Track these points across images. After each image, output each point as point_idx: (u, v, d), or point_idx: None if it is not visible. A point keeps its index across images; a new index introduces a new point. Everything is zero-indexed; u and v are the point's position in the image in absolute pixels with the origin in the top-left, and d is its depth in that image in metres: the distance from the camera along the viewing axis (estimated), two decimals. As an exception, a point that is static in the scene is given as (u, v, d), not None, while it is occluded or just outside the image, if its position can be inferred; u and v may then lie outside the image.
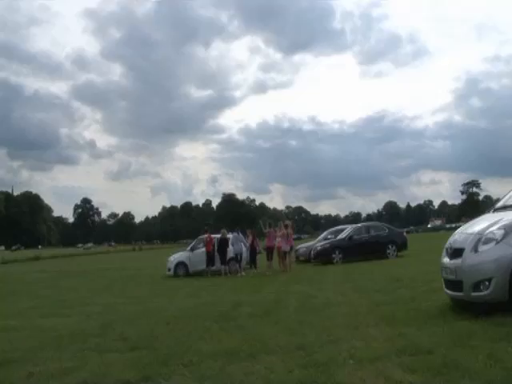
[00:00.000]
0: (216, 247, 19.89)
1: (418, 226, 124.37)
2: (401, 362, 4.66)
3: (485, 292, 6.19)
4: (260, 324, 7.59)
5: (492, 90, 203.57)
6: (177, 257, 21.48)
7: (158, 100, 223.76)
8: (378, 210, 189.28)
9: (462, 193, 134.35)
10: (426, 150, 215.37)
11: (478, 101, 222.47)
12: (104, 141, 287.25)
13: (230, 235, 20.82)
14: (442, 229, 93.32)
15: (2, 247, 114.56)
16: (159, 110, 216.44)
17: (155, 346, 6.43)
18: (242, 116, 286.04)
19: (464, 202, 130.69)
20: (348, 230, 23.54)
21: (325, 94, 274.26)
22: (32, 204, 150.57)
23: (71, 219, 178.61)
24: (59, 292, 16.15)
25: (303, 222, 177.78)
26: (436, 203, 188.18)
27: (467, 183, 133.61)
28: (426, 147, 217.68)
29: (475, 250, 6.40)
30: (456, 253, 6.75)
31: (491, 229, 6.43)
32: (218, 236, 20.32)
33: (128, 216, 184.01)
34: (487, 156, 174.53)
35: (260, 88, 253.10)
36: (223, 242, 19.83)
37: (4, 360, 6.12)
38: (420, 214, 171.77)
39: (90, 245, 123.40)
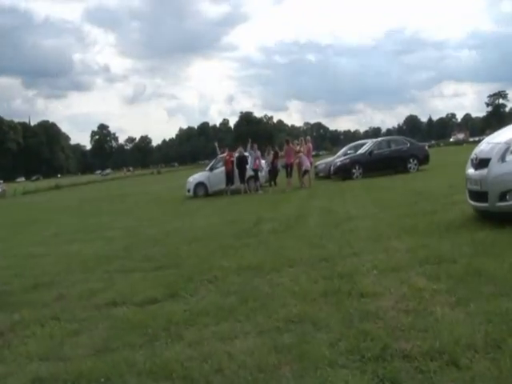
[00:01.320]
0: (235, 166, 19.99)
1: (439, 139, 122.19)
2: (424, 271, 4.72)
3: (511, 202, 6.12)
4: (282, 239, 7.71)
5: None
6: (196, 177, 21.68)
7: (171, 19, 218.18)
8: (398, 125, 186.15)
9: (488, 104, 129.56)
10: (450, 61, 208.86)
11: (509, 5, 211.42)
12: (118, 64, 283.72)
13: (247, 153, 20.84)
14: (465, 142, 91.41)
15: (22, 178, 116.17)
16: (173, 29, 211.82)
17: (179, 264, 6.62)
18: (259, 32, 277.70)
19: (489, 114, 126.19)
20: (368, 144, 23.26)
21: (345, 7, 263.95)
22: (49, 133, 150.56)
23: (89, 146, 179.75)
24: (81, 218, 16.54)
25: (322, 138, 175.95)
26: (459, 116, 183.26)
27: (493, 94, 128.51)
28: (449, 58, 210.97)
29: (502, 159, 6.23)
30: (482, 163, 6.58)
31: None
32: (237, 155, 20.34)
33: (145, 140, 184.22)
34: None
35: (277, 0, 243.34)
36: (242, 160, 19.86)
37: (35, 284, 6.39)
38: (442, 128, 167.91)
39: (108, 171, 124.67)
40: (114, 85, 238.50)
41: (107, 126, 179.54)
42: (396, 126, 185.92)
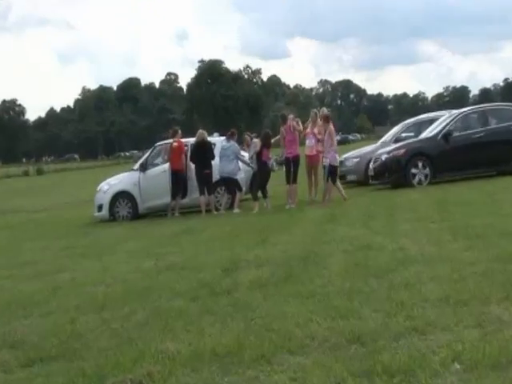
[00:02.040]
0: (188, 162, 20.01)
1: None
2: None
3: None
4: (277, 299, 7.73)
5: None
6: (115, 183, 21.82)
7: None
8: (505, 81, 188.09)
9: None
10: None
11: None
12: None
13: (215, 138, 20.85)
14: None
15: None
16: None
17: (76, 352, 6.53)
18: None
19: None
20: (442, 120, 23.39)
21: None
22: None
23: None
24: None
25: (353, 109, 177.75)
26: None
27: None
28: None
29: None
30: None
31: None
32: (193, 140, 20.34)
33: (12, 109, 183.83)
34: None
35: None
36: (203, 151, 19.79)
37: None
38: None
39: None
40: None
41: None
42: (500, 82, 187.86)
